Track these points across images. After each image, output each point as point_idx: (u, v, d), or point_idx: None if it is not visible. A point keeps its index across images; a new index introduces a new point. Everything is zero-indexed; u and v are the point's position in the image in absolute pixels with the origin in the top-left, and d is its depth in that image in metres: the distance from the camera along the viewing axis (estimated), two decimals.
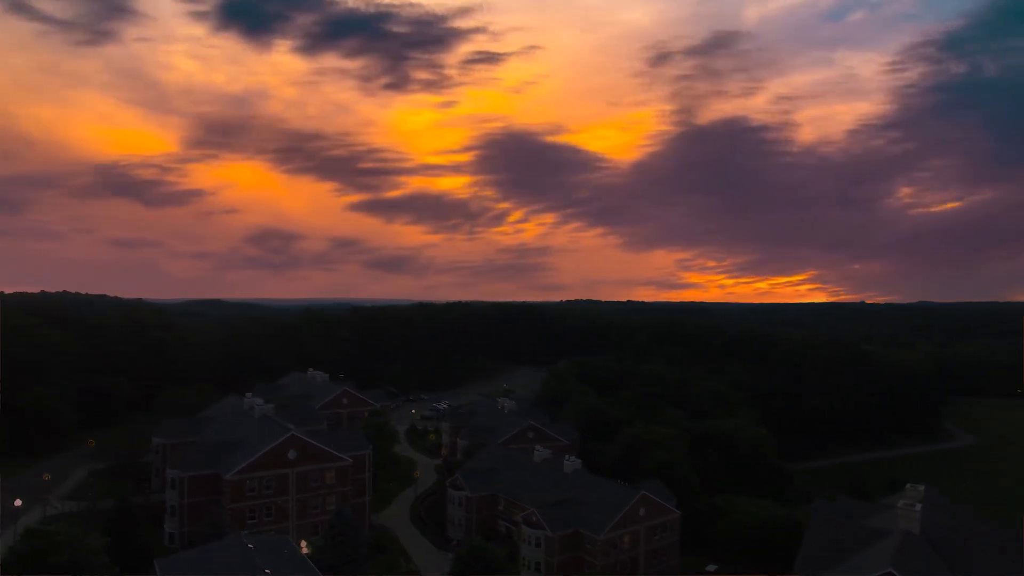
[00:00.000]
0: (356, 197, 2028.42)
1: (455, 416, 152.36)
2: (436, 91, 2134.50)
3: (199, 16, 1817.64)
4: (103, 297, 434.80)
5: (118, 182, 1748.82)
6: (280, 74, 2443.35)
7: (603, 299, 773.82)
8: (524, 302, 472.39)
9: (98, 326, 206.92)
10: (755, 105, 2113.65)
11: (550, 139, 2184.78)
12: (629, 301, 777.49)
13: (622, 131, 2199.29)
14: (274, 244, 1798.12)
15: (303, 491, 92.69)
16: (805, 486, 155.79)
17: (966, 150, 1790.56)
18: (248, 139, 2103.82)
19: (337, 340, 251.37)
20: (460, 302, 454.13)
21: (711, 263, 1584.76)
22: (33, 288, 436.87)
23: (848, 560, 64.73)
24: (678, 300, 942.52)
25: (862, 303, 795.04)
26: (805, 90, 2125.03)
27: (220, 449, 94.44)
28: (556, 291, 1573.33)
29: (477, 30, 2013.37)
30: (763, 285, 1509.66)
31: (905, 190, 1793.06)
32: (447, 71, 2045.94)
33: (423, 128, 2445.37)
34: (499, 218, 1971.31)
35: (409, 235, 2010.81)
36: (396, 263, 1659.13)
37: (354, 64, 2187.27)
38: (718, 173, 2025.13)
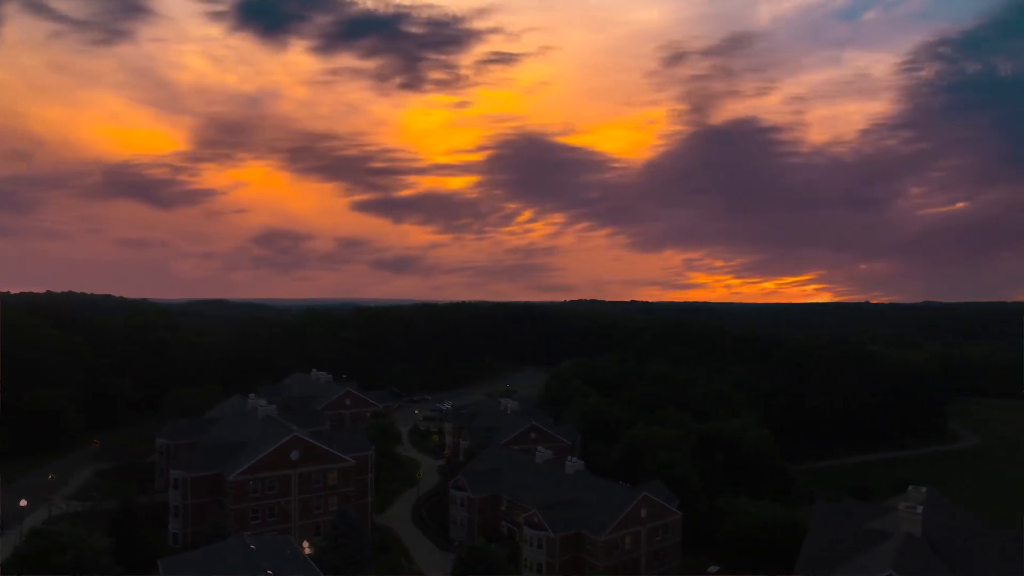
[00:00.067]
0: (365, 197, 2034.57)
1: (458, 417, 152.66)
2: (450, 91, 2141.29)
3: (216, 16, 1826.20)
4: (108, 297, 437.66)
5: (127, 182, 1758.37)
6: (293, 74, 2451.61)
7: (611, 299, 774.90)
8: (528, 302, 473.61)
9: (102, 326, 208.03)
10: (767, 105, 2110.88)
11: (560, 139, 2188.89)
12: (633, 301, 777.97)
13: (632, 131, 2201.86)
14: (282, 244, 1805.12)
15: (306, 492, 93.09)
16: (809, 487, 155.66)
17: (977, 150, 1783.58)
18: (259, 139, 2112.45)
19: (341, 340, 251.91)
20: (464, 302, 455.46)
21: (718, 263, 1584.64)
22: (39, 288, 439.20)
23: (849, 562, 64.71)
24: (685, 300, 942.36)
25: (867, 303, 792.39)
26: (817, 90, 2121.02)
27: (223, 450, 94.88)
28: (564, 291, 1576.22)
29: (491, 31, 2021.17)
30: (769, 285, 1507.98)
31: (915, 190, 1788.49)
32: (461, 71, 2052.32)
33: (435, 128, 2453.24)
34: (508, 218, 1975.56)
35: (417, 235, 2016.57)
36: (403, 263, 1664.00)
37: (368, 64, 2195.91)
38: (728, 173, 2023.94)
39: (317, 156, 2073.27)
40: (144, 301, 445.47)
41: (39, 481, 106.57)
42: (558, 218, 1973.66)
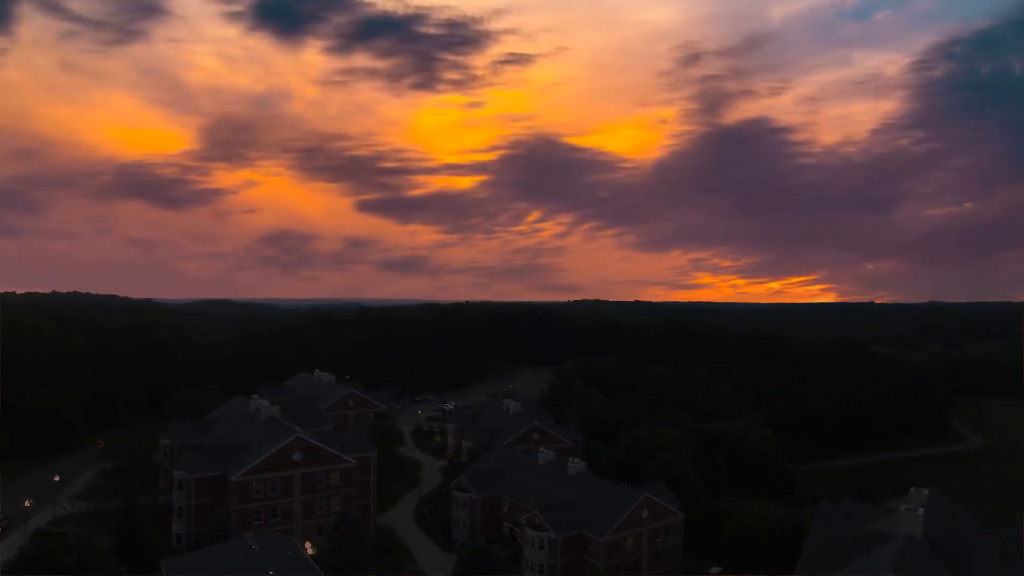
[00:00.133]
0: (374, 196, 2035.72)
1: (461, 417, 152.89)
2: (463, 91, 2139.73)
3: (233, 16, 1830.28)
4: (113, 298, 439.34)
5: (136, 182, 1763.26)
6: (305, 75, 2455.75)
7: (617, 299, 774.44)
8: (531, 302, 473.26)
9: (103, 327, 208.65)
10: (778, 105, 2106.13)
11: (570, 139, 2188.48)
12: (636, 301, 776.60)
13: (642, 130, 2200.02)
14: (289, 244, 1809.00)
15: (308, 493, 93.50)
16: (811, 488, 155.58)
17: (987, 150, 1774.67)
18: (270, 139, 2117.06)
19: (344, 341, 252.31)
20: (467, 302, 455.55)
21: (725, 263, 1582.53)
22: (45, 289, 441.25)
23: (850, 563, 64.81)
24: (691, 300, 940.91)
25: (871, 303, 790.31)
26: (828, 89, 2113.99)
27: (226, 451, 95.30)
28: (570, 291, 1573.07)
29: (507, 31, 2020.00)
30: (775, 285, 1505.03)
31: (922, 190, 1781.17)
32: (475, 72, 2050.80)
33: (446, 128, 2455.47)
34: (518, 217, 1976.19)
35: (424, 235, 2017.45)
36: (409, 263, 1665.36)
37: (382, 64, 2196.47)
38: (736, 173, 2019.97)
39: (327, 156, 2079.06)
40: (148, 301, 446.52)
41: (44, 481, 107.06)
42: (566, 218, 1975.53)
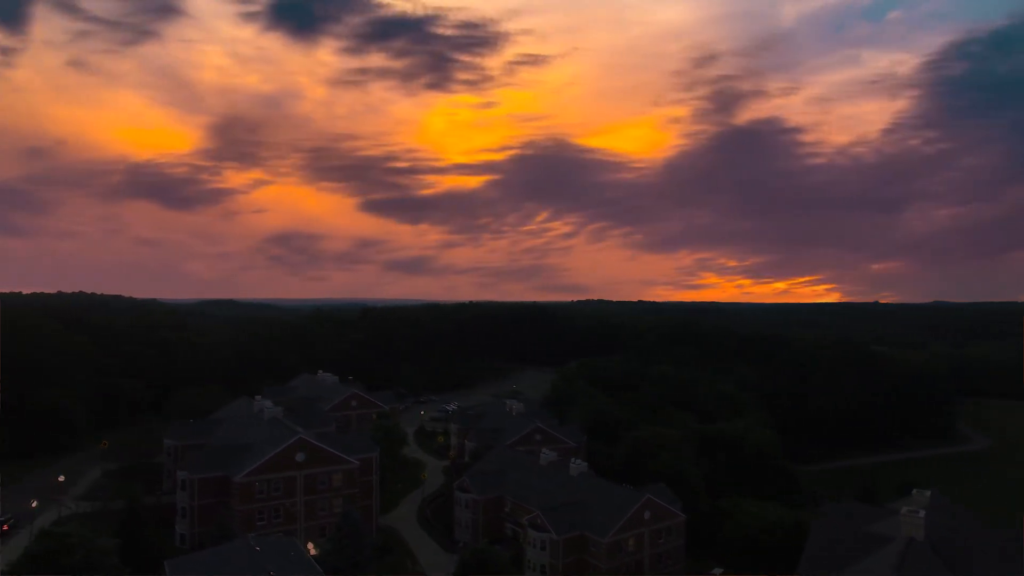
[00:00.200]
0: (383, 196, 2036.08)
1: (463, 417, 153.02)
2: (476, 92, 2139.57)
3: (248, 17, 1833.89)
4: (118, 298, 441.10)
5: (145, 182, 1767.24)
6: (317, 75, 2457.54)
7: (623, 299, 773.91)
8: (534, 302, 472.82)
9: (107, 327, 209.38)
10: (789, 105, 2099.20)
11: (580, 139, 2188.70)
12: (640, 301, 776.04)
13: (652, 131, 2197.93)
14: (298, 244, 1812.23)
15: (311, 493, 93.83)
16: (815, 489, 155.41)
17: (996, 150, 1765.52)
18: (280, 139, 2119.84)
19: (347, 341, 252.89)
20: (471, 302, 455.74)
21: (732, 263, 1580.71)
22: (51, 289, 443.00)
23: (850, 565, 64.86)
24: (697, 300, 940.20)
25: (876, 303, 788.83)
26: (839, 89, 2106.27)
27: (230, 451, 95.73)
28: (577, 292, 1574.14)
29: (521, 32, 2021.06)
30: (781, 285, 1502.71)
31: (932, 190, 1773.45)
32: (489, 72, 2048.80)
33: (456, 129, 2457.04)
34: (526, 217, 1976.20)
35: (432, 235, 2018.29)
36: (415, 264, 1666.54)
37: (396, 64, 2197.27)
38: (745, 174, 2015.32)
39: (338, 156, 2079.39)
40: (153, 301, 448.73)
41: (49, 482, 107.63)
42: (575, 218, 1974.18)
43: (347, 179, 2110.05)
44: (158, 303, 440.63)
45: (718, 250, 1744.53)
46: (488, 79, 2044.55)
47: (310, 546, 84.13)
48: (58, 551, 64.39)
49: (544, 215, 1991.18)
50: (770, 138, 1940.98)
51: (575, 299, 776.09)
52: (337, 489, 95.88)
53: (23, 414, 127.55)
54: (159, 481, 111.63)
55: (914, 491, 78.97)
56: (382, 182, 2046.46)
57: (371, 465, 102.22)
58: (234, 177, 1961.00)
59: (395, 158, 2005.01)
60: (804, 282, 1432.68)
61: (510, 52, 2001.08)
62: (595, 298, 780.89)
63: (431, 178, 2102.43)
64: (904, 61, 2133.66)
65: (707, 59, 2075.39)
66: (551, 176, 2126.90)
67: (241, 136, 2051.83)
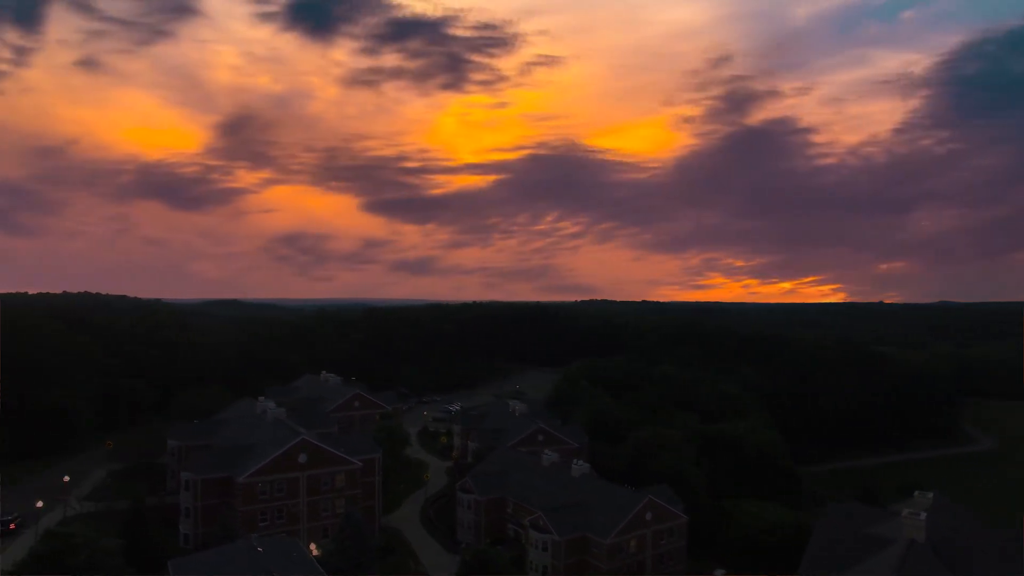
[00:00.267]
0: (392, 196, 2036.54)
1: (466, 418, 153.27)
2: (490, 92, 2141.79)
3: (265, 17, 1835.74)
4: (123, 298, 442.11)
5: (153, 182, 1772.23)
6: (328, 75, 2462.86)
7: (628, 299, 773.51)
8: (538, 302, 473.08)
9: (109, 327, 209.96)
10: (801, 104, 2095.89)
11: (591, 139, 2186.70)
12: (644, 301, 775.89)
13: (663, 131, 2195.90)
14: (304, 244, 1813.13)
15: (313, 494, 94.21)
16: (817, 489, 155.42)
17: (1004, 151, 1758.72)
18: (291, 139, 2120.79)
19: (349, 341, 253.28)
20: (474, 302, 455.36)
21: (738, 263, 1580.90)
22: (56, 289, 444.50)
23: (851, 567, 64.96)
24: (703, 300, 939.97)
25: (880, 303, 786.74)
26: (851, 89, 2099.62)
27: (233, 452, 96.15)
28: (583, 292, 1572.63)
29: (536, 33, 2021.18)
30: (787, 285, 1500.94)
31: (940, 190, 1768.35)
32: (504, 73, 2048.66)
33: (466, 129, 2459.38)
34: (536, 217, 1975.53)
35: (439, 235, 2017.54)
36: (421, 264, 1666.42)
37: (410, 65, 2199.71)
38: (753, 174, 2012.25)
39: (349, 156, 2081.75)
40: (157, 301, 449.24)
41: (54, 482, 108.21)
42: (584, 217, 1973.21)
43: (357, 179, 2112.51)
44: (162, 303, 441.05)
45: (726, 250, 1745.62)
46: (502, 79, 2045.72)
47: (313, 547, 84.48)
48: (63, 551, 64.76)
49: (554, 215, 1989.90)
50: (781, 138, 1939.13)
51: (580, 299, 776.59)
52: (340, 490, 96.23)
53: (25, 415, 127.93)
54: (163, 481, 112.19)
55: (916, 493, 78.96)
56: (392, 182, 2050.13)
57: (374, 466, 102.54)
58: (245, 176, 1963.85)
59: (407, 158, 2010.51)
60: (810, 282, 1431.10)
61: (526, 53, 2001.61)
62: (601, 298, 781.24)
63: (442, 178, 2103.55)
64: (917, 61, 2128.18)
65: (720, 60, 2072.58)
66: (562, 176, 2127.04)
67: (252, 136, 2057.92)
